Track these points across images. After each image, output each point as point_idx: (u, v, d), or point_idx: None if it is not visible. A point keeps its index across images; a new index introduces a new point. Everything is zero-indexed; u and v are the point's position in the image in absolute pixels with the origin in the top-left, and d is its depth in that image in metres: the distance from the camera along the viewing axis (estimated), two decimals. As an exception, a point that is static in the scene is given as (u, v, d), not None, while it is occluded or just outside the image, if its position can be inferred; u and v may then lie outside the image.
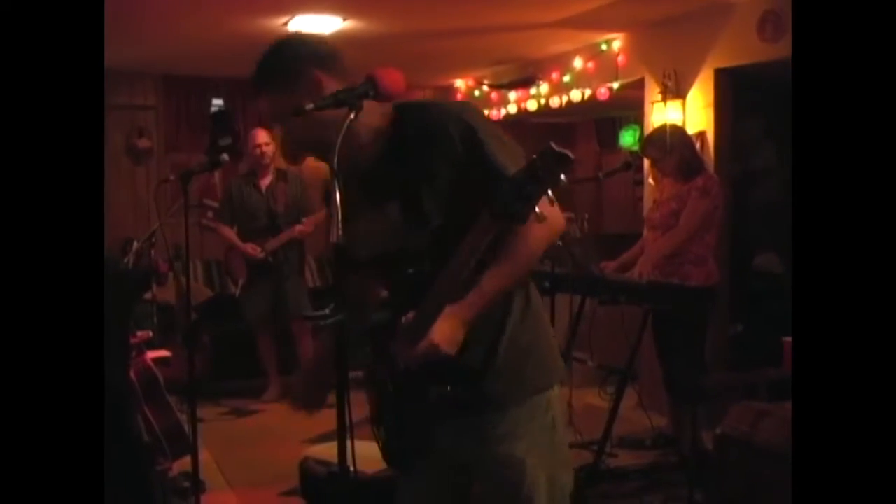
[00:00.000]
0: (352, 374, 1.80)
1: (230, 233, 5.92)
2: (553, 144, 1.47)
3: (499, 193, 1.50)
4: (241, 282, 5.92)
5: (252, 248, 5.77)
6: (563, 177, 1.47)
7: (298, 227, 5.78)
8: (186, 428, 3.97)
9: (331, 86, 1.81)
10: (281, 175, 5.94)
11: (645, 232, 4.94)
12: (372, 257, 1.95)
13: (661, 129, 4.76)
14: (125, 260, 5.20)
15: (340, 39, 5.85)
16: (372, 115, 1.84)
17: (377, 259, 1.94)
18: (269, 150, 5.85)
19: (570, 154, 1.46)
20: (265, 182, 5.90)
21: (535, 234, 1.77)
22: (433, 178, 1.79)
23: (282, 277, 5.84)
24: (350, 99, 1.73)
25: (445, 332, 1.72)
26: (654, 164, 4.69)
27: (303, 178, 6.03)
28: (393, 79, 1.77)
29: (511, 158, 1.76)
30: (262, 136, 5.86)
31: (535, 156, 1.48)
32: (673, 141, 4.57)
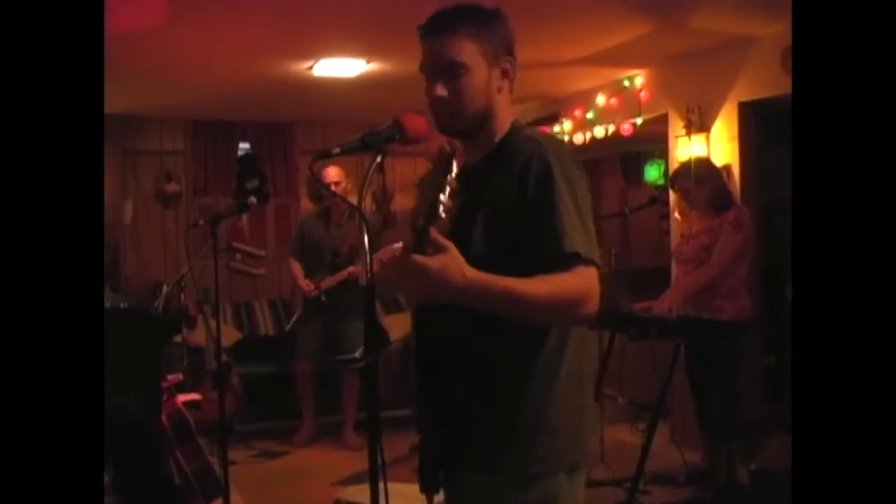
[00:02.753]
0: (384, 414, 1.80)
1: (297, 268, 5.89)
2: (445, 146, 1.52)
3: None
4: (294, 316, 5.89)
5: (306, 285, 5.74)
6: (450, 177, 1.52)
7: (350, 268, 5.66)
8: (218, 470, 3.97)
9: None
10: (353, 214, 5.81)
11: (674, 267, 4.91)
12: None
13: (692, 162, 4.76)
14: (155, 304, 5.25)
15: (364, 82, 5.94)
16: (500, 125, 1.89)
17: None
18: (340, 188, 5.72)
19: (447, 150, 1.51)
20: (336, 221, 5.88)
21: (565, 280, 1.70)
22: (490, 204, 1.79)
23: (337, 318, 5.68)
24: (376, 142, 1.75)
25: (447, 266, 1.57)
26: (684, 197, 4.66)
27: (376, 220, 5.94)
28: (417, 122, 1.79)
29: (566, 216, 1.72)
30: (332, 173, 5.73)
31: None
32: (703, 173, 4.55)
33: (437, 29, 1.83)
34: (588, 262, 1.73)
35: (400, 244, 1.66)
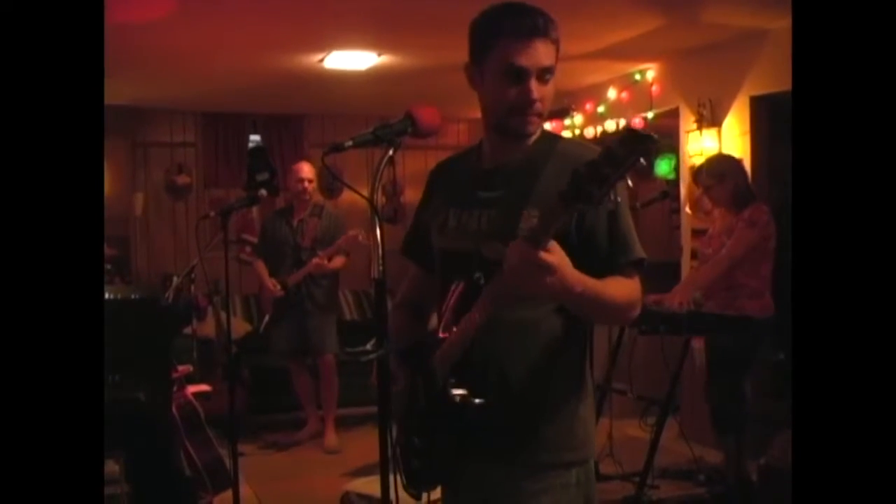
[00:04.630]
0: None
1: (262, 268, 5.80)
2: (634, 127, 1.46)
3: (575, 176, 1.46)
4: (266, 317, 5.83)
5: (273, 285, 5.65)
6: (642, 160, 1.44)
7: (315, 261, 5.57)
8: (227, 462, 3.99)
9: None
10: (316, 210, 5.79)
11: (695, 267, 4.88)
12: (448, 249, 1.95)
13: (715, 157, 4.73)
14: (165, 295, 5.27)
15: (375, 75, 5.94)
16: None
17: (451, 253, 1.94)
18: (312, 186, 5.73)
19: (652, 135, 1.43)
20: (298, 216, 5.78)
21: (629, 286, 1.82)
22: (540, 203, 1.76)
23: (304, 313, 5.68)
24: (388, 135, 1.75)
25: (566, 265, 1.60)
26: (707, 191, 4.63)
27: (338, 215, 5.91)
28: (430, 115, 1.79)
29: (633, 229, 1.85)
30: (306, 169, 5.71)
31: (615, 139, 1.45)
32: (725, 169, 4.51)
33: (539, 31, 1.79)
34: (641, 268, 1.87)
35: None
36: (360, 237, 5.43)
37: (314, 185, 5.76)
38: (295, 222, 5.77)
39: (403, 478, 1.97)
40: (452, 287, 1.85)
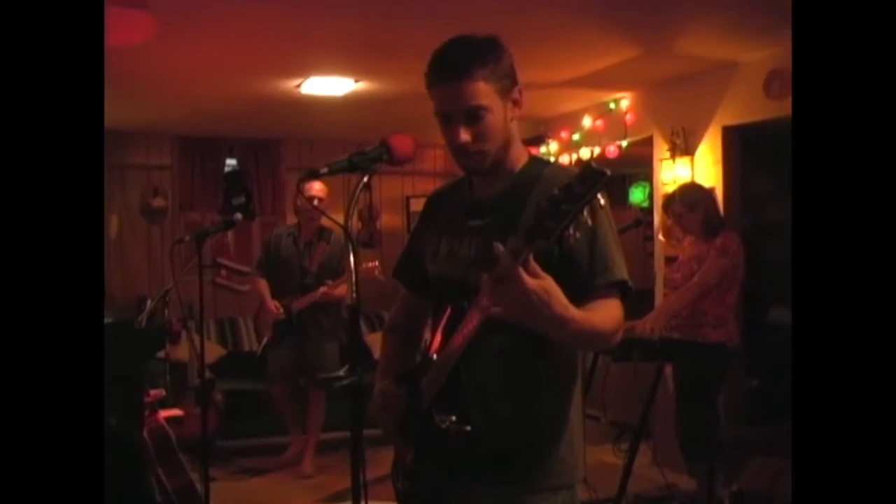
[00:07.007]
0: (366, 433, 1.81)
1: (263, 286, 5.64)
2: (592, 163, 1.47)
3: (536, 212, 1.47)
4: (265, 339, 5.69)
5: (275, 307, 5.51)
6: (599, 196, 1.47)
7: (322, 290, 5.43)
8: (199, 487, 3.96)
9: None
10: (325, 235, 5.63)
11: (664, 293, 4.92)
12: (439, 275, 1.97)
13: (686, 186, 4.79)
14: (139, 319, 5.24)
15: (352, 101, 5.97)
16: (519, 152, 1.93)
17: (442, 279, 1.95)
18: (322, 205, 5.46)
19: (606, 171, 1.44)
20: (305, 238, 5.64)
21: (612, 310, 1.78)
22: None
23: (307, 339, 5.55)
24: (363, 163, 1.77)
25: (547, 290, 1.54)
26: (676, 221, 4.68)
27: (337, 240, 5.65)
28: (405, 143, 1.82)
29: (616, 252, 1.83)
30: (316, 186, 5.49)
31: (573, 176, 1.46)
32: (696, 198, 4.57)
33: (453, 74, 1.78)
34: (623, 289, 1.84)
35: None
36: (377, 272, 5.21)
37: (324, 203, 5.49)
38: (302, 244, 5.64)
39: (396, 499, 1.99)
40: (443, 312, 1.86)
